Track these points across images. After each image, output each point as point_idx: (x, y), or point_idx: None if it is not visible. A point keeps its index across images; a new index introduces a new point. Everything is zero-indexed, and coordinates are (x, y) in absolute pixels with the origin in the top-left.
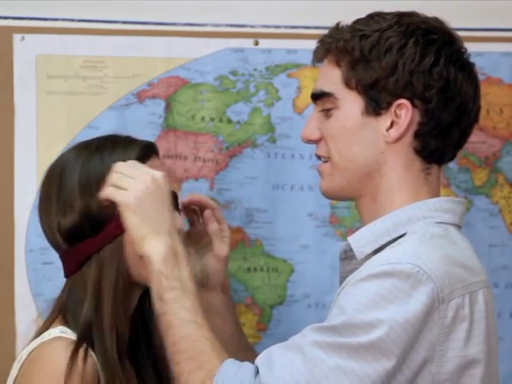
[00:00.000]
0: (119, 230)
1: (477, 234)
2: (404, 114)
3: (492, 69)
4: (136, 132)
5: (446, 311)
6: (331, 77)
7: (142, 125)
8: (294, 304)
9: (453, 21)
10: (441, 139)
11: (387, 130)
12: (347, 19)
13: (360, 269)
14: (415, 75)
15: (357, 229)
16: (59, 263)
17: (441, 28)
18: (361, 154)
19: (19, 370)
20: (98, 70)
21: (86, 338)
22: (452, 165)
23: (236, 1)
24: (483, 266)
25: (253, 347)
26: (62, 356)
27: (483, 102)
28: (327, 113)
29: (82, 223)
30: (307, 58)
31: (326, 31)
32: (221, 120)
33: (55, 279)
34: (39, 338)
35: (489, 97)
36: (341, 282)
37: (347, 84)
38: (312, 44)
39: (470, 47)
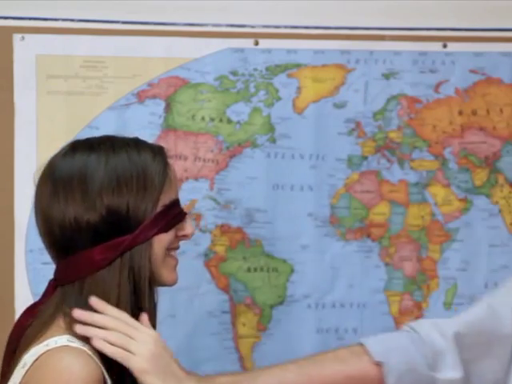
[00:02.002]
0: (151, 232)
1: (477, 234)
2: None
3: (492, 69)
4: (136, 132)
5: None
6: None
7: (142, 125)
8: (293, 304)
9: (453, 21)
10: None
11: None
12: (347, 19)
13: None
14: None
15: (357, 229)
16: None
17: None
18: None
19: (23, 377)
20: (97, 70)
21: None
22: (452, 165)
23: (236, 1)
24: None
25: None
26: (71, 365)
27: (483, 102)
28: None
29: (111, 221)
30: (307, 58)
31: (326, 31)
32: (221, 120)
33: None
34: (43, 345)
35: (489, 97)
36: None
37: None
38: (312, 44)
39: (470, 47)
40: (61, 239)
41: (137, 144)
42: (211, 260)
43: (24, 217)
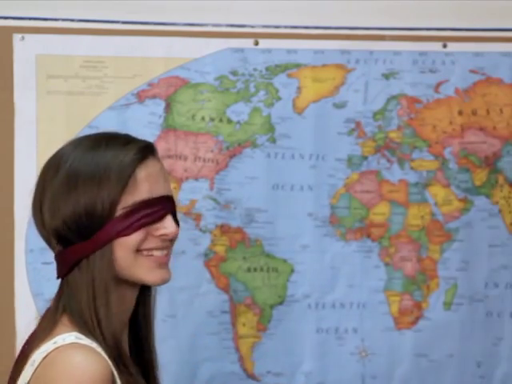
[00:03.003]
0: (109, 237)
1: (477, 234)
2: None
3: (492, 69)
4: (136, 132)
5: None
6: None
7: (142, 125)
8: (293, 304)
9: (453, 21)
10: None
11: None
12: (347, 19)
13: None
14: None
15: (357, 229)
16: None
17: None
18: None
19: (32, 375)
20: (97, 70)
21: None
22: (452, 165)
23: (236, 1)
24: None
25: None
26: (82, 362)
27: (483, 102)
28: None
29: (68, 227)
30: (307, 58)
31: (326, 31)
32: (221, 120)
33: (55, 279)
34: (51, 342)
35: (489, 97)
36: None
37: None
38: (312, 44)
39: (470, 47)
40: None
41: (109, 141)
42: (211, 260)
43: (24, 216)
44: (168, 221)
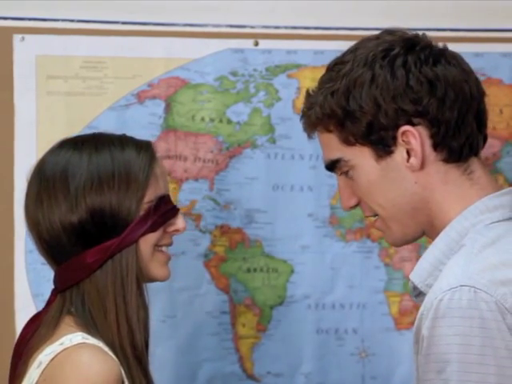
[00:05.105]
0: (138, 233)
1: None
2: (412, 138)
3: (492, 69)
4: (136, 132)
5: None
6: (330, 144)
7: (142, 125)
8: (293, 305)
9: (453, 21)
10: (460, 135)
11: (408, 161)
12: (347, 19)
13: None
14: (398, 98)
15: (357, 229)
16: None
17: (396, 39)
18: (398, 196)
19: (40, 375)
20: (97, 71)
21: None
22: None
23: (236, 1)
24: None
25: None
26: (91, 362)
27: None
28: (347, 175)
29: (96, 222)
30: (307, 59)
31: (325, 31)
32: (221, 120)
33: None
34: (57, 344)
35: (488, 97)
36: None
37: (347, 143)
38: (312, 44)
39: (470, 48)
40: (52, 245)
41: (121, 141)
42: (211, 260)
43: (24, 217)
44: (180, 217)
